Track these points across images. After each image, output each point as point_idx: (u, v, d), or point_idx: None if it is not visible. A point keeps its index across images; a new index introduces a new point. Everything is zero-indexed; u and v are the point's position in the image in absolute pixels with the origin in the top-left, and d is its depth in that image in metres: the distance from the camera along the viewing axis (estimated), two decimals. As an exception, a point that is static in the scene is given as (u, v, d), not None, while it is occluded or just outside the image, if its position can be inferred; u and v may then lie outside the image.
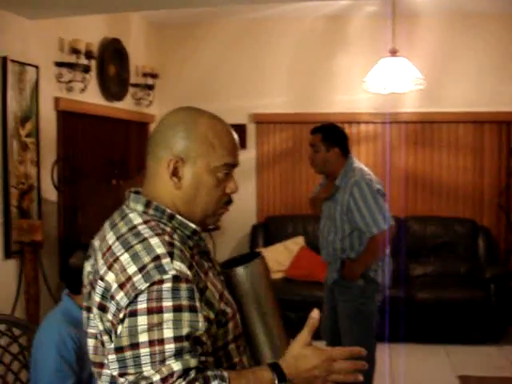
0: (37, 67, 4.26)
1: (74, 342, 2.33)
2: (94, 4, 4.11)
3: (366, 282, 3.57)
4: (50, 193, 4.44)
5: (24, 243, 3.95)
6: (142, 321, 1.23)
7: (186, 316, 1.25)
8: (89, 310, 1.45)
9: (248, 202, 6.21)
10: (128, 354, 1.24)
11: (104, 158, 5.17)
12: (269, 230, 6.11)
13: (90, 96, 4.90)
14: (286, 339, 1.57)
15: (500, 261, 5.90)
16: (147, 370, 1.23)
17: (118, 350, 1.25)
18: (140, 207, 1.42)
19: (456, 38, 5.95)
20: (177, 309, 1.24)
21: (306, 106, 6.14)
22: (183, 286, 1.26)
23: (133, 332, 1.24)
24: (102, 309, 1.32)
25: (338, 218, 3.60)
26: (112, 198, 4.87)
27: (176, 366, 1.22)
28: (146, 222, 1.38)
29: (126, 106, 5.58)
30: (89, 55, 4.67)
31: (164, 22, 6.20)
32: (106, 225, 1.47)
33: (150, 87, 5.91)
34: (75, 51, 4.54)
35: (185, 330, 1.25)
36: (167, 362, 1.22)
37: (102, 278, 1.33)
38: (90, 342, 1.45)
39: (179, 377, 1.22)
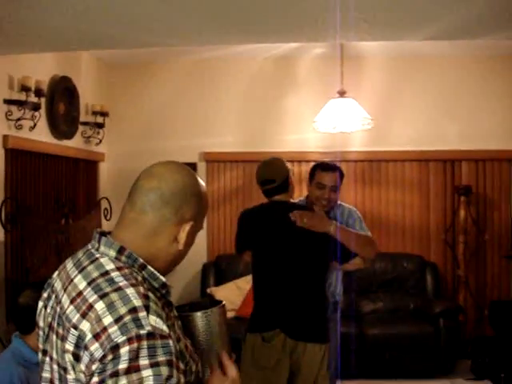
0: (-15, 104, 4.20)
1: (21, 382, 2.29)
2: (44, 42, 4.07)
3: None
4: (-3, 232, 4.33)
5: (-30, 284, 3.83)
6: (122, 380, 1.20)
7: (164, 370, 1.23)
8: (45, 353, 1.40)
9: (198, 241, 5.91)
10: None
11: (53, 197, 5.08)
12: (220, 268, 6.09)
13: (39, 134, 4.83)
14: None
15: (448, 295, 6.03)
16: None
17: None
18: (112, 253, 1.38)
19: (402, 79, 6.16)
20: (154, 365, 1.22)
21: (256, 145, 6.20)
22: (158, 342, 1.24)
23: None
24: (76, 358, 1.28)
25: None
26: (61, 238, 4.78)
27: None
28: (118, 269, 1.35)
29: (75, 144, 5.52)
30: (38, 93, 4.63)
31: (114, 61, 6.21)
32: (69, 265, 1.43)
33: (100, 126, 5.87)
34: (25, 89, 4.48)
35: None
36: None
37: (75, 327, 1.28)
38: None
39: None
